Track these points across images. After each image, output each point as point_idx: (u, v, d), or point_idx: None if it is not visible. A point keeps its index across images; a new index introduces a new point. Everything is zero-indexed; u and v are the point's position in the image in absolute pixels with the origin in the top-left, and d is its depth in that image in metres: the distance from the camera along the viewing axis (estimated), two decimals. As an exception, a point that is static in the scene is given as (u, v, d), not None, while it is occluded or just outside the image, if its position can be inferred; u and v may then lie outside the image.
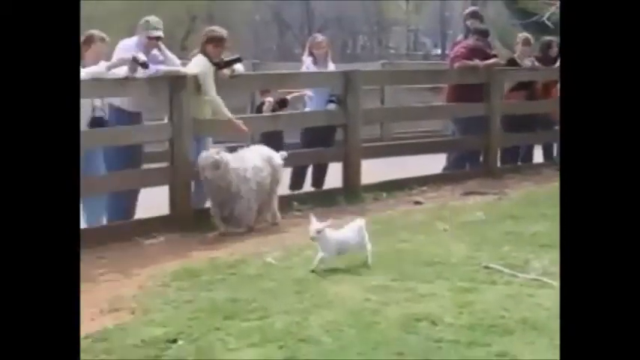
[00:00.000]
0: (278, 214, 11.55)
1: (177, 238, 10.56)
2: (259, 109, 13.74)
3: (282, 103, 13.72)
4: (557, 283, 7.95)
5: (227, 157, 10.72)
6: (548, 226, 10.52)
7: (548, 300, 7.67)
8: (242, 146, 11.72)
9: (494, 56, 14.83)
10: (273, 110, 13.44)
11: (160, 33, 11.04)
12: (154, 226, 10.70)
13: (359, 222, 9.10)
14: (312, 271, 8.67)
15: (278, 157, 11.28)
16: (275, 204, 11.45)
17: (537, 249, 9.64)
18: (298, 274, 8.88)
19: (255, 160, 11.03)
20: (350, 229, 9.05)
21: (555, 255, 8.71)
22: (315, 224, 8.81)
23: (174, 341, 7.05)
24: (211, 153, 10.71)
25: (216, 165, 10.52)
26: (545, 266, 8.87)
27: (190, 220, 11.10)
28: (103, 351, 6.90)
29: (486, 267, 8.92)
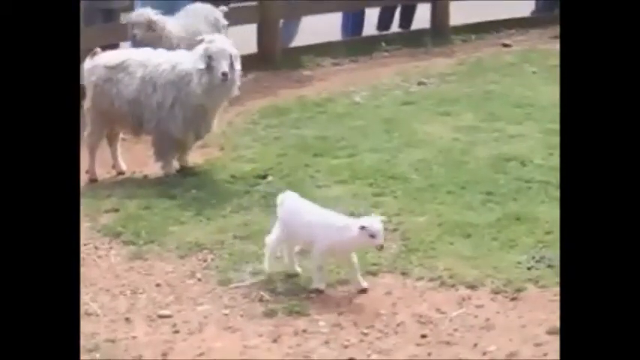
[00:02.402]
0: None
1: (265, 77, 10.56)
2: None
3: None
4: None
5: (163, 20, 8.82)
6: None
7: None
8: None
9: None
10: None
11: None
12: (242, 64, 10.68)
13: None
14: None
15: (221, 15, 9.34)
16: None
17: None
18: (387, 113, 8.89)
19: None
20: None
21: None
22: None
23: (264, 177, 7.14)
24: (148, 13, 8.77)
25: (151, 26, 8.64)
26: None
27: (278, 58, 11.05)
28: (194, 186, 7.02)
29: (577, 109, 8.79)
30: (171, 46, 8.33)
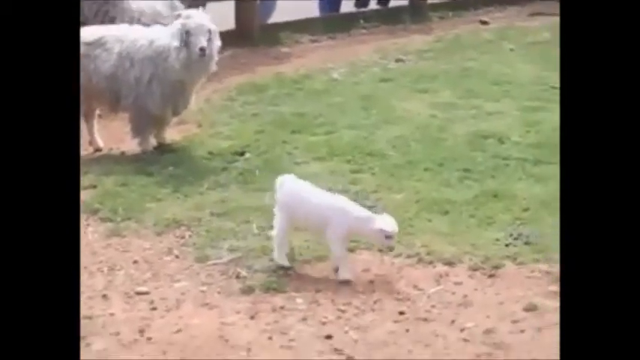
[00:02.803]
0: None
1: (243, 53, 10.52)
2: None
3: None
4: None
5: None
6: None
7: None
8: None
9: None
10: None
11: None
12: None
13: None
14: None
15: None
16: None
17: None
18: (364, 90, 8.89)
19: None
20: None
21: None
22: None
23: (242, 154, 7.13)
24: None
25: None
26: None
27: (256, 34, 11.02)
28: (171, 162, 7.00)
29: (554, 87, 8.82)
30: (132, 20, 8.22)
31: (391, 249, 5.22)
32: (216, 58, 7.11)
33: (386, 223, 5.07)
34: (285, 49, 10.92)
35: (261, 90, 8.92)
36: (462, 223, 5.78)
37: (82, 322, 4.68)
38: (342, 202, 5.23)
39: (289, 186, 5.31)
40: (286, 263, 5.22)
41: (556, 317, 4.66)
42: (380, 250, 5.37)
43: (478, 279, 5.12)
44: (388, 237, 5.07)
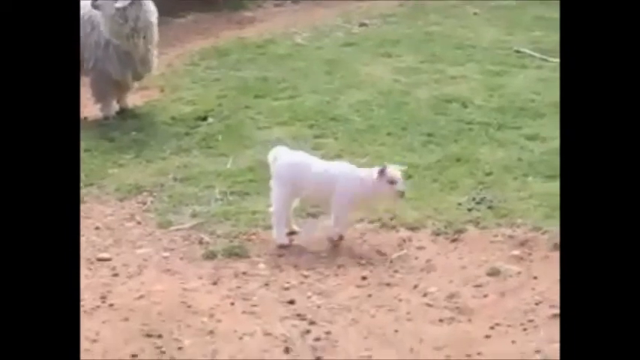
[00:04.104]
0: None
1: (206, 18, 10.43)
2: None
3: None
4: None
5: None
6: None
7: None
8: None
9: None
10: None
11: None
12: (182, 4, 10.54)
13: None
14: None
15: None
16: None
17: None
18: (328, 54, 8.85)
19: None
20: None
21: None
22: None
23: (204, 119, 7.09)
24: None
25: None
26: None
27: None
28: (133, 128, 6.95)
29: (517, 51, 8.83)
30: None
31: (402, 195, 5.05)
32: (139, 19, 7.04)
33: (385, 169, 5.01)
34: (248, 14, 10.85)
35: (223, 55, 8.86)
36: (425, 188, 5.78)
37: (43, 289, 4.65)
38: (345, 166, 5.18)
39: (286, 157, 5.16)
40: (286, 242, 5.12)
41: (519, 281, 4.70)
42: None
43: (441, 244, 5.12)
44: (392, 182, 4.98)
